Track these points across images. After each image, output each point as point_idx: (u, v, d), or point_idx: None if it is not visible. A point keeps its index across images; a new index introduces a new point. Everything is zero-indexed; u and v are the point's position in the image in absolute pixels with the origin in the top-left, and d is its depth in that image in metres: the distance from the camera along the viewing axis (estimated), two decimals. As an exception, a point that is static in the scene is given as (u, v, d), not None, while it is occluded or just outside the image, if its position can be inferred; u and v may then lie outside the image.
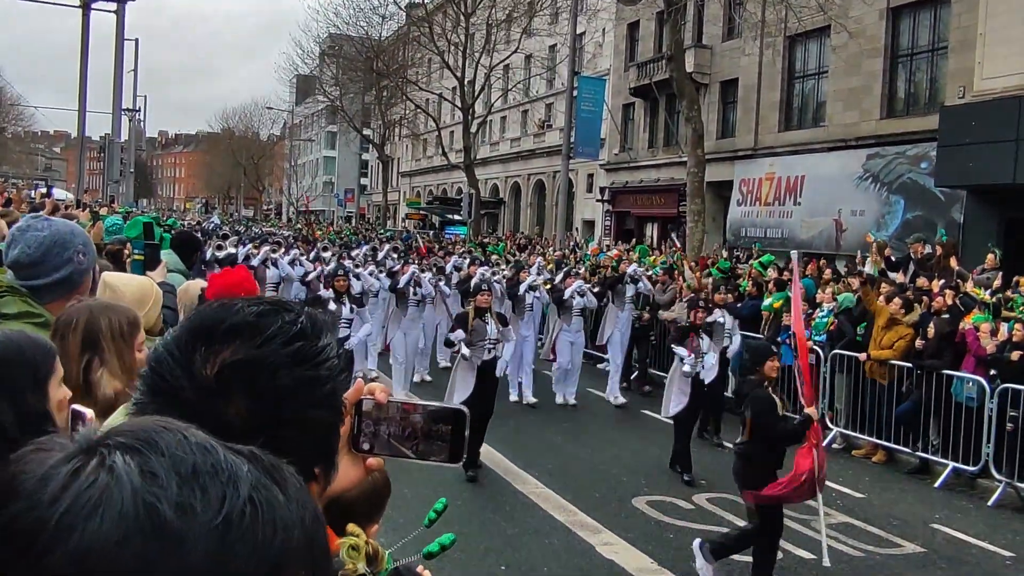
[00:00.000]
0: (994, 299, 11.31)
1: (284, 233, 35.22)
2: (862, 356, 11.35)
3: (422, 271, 14.72)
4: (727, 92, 30.08)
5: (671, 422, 10.35)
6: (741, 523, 8.37)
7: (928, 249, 15.16)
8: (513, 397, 13.21)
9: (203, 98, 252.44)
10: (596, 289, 14.63)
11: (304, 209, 75.62)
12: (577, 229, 37.03)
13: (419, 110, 47.06)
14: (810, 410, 6.97)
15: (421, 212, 52.07)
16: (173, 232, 9.00)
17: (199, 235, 15.31)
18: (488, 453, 10.33)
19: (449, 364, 14.78)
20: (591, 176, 38.41)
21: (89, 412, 2.01)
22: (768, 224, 26.54)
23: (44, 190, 24.04)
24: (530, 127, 46.04)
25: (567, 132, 28.37)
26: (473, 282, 13.20)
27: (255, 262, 15.34)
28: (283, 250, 17.50)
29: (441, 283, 15.07)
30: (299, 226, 49.34)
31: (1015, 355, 9.59)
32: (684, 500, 8.93)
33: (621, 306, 14.39)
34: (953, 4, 20.91)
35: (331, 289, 12.43)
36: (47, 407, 1.96)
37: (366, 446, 1.23)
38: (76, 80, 25.77)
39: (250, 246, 17.94)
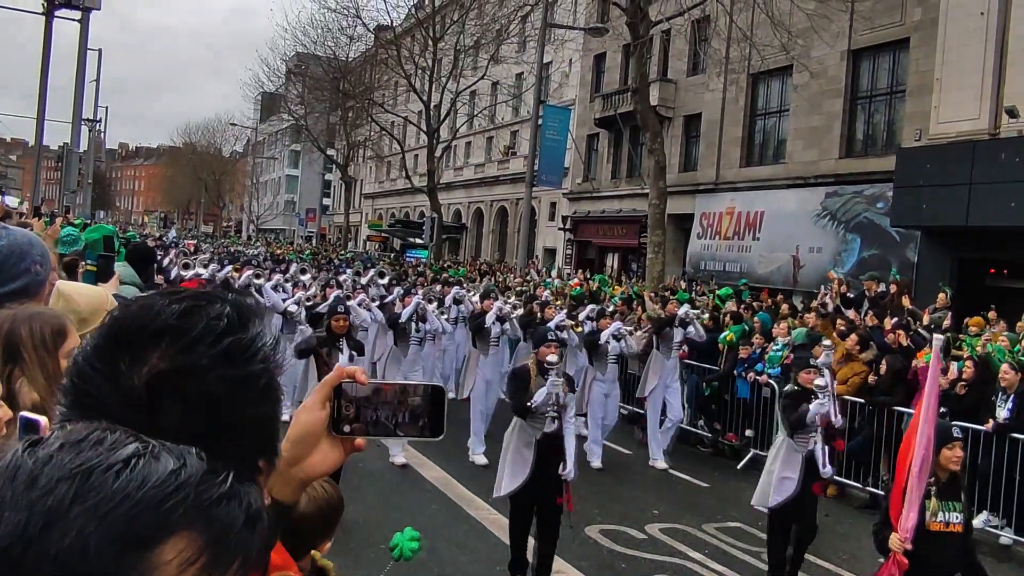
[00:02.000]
0: (944, 337, 11.50)
1: (252, 251, 34.70)
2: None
3: (429, 301, 12.59)
4: (690, 126, 30.48)
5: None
6: (694, 554, 8.40)
7: (882, 287, 15.40)
8: (596, 463, 11.41)
9: (166, 113, 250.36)
10: (636, 331, 12.74)
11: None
12: (538, 257, 37.14)
13: (384, 132, 47.06)
14: (894, 538, 5.33)
15: (383, 235, 51.93)
16: (129, 244, 8.87)
17: (157, 249, 14.96)
18: (441, 478, 10.25)
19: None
20: (554, 204, 38.61)
21: (43, 420, 1.96)
22: (727, 258, 26.84)
23: (-2, 198, 23.61)
24: (494, 154, 46.23)
25: (531, 160, 28.52)
26: (548, 325, 10.44)
27: (236, 286, 13.57)
28: (267, 274, 15.51)
29: (443, 317, 13.01)
30: (260, 245, 48.88)
31: (961, 389, 9.76)
32: (637, 530, 8.92)
33: (668, 353, 12.26)
34: (912, 49, 21.44)
35: (321, 329, 9.71)
36: None
37: (347, 429, 1.24)
38: (36, 88, 25.41)
39: (229, 268, 15.80)
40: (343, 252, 42.49)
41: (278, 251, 34.55)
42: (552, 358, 7.36)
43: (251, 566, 0.80)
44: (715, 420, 13.31)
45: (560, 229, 37.51)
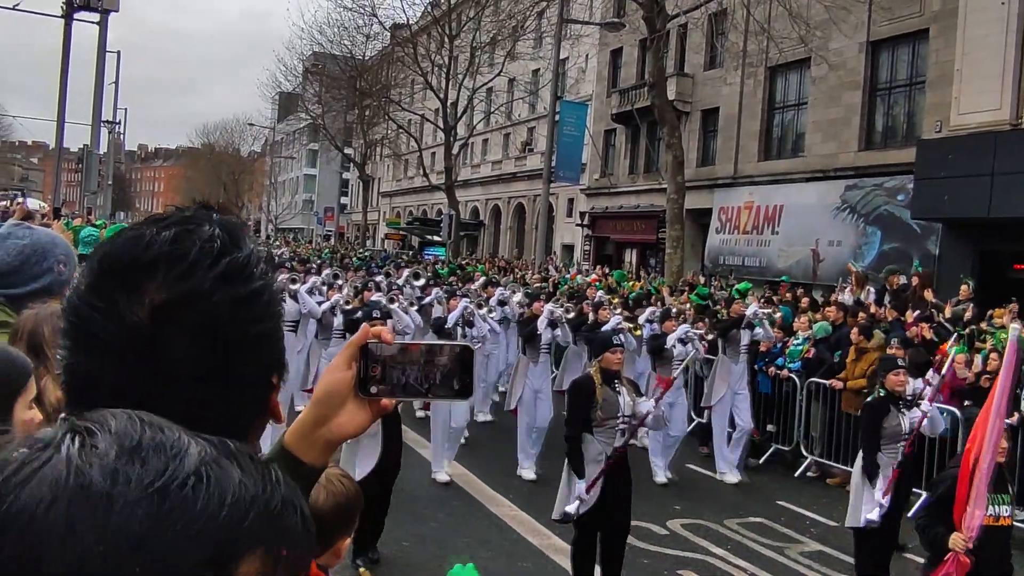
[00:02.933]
0: (967, 331, 11.42)
1: (278, 251, 34.46)
2: (837, 384, 11.39)
3: (478, 306, 11.78)
4: (708, 120, 30.36)
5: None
6: (716, 550, 8.38)
7: (903, 280, 15.30)
8: (661, 478, 10.69)
9: (184, 114, 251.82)
10: (702, 332, 11.52)
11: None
12: (556, 253, 37.11)
13: (401, 130, 47.14)
14: (955, 538, 5.17)
15: (401, 232, 52.02)
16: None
17: None
18: (462, 475, 10.26)
19: (490, 417, 13.05)
20: (571, 200, 38.56)
21: None
22: (746, 252, 26.71)
23: (20, 200, 23.81)
24: (512, 150, 46.20)
25: (548, 156, 28.49)
26: (605, 328, 10.11)
27: None
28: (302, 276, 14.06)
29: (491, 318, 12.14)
30: (281, 245, 49.00)
31: (985, 381, 9.68)
32: (658, 526, 8.90)
33: (735, 358, 11.26)
34: (931, 40, 21.25)
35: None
36: (8, 426, 1.89)
37: (374, 390, 1.21)
38: (55, 90, 25.59)
39: None
40: (361, 250, 42.59)
41: (298, 249, 34.50)
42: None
43: (307, 565, 0.79)
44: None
45: (578, 225, 37.46)
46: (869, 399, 7.58)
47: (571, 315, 12.52)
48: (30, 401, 1.98)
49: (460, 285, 17.20)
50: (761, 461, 12.02)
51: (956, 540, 5.12)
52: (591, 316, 12.58)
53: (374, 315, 8.31)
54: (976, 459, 5.14)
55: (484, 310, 11.92)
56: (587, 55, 37.67)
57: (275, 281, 1.05)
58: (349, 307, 11.58)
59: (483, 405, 13.14)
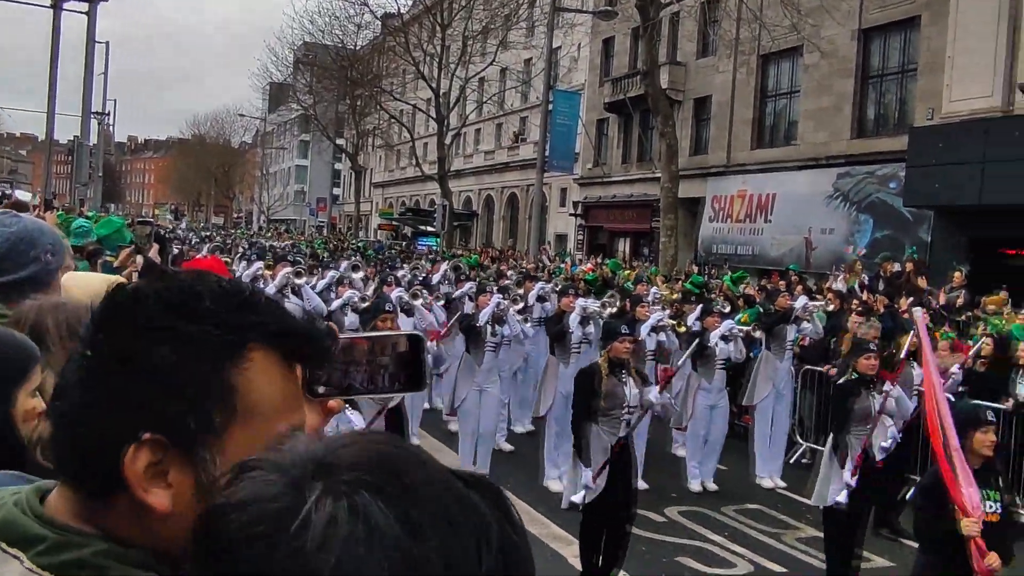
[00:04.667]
0: (962, 317, 11.47)
1: (279, 244, 34.09)
2: (831, 370, 11.40)
3: (513, 302, 10.49)
4: (700, 109, 30.36)
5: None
6: (714, 536, 8.41)
7: (897, 267, 15.36)
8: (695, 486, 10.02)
9: (174, 106, 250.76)
10: (749, 329, 10.80)
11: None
12: (550, 243, 37.12)
13: (393, 120, 47.03)
14: (966, 524, 4.96)
15: (393, 223, 51.96)
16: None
17: (172, 241, 14.37)
18: (455, 463, 10.21)
19: (524, 427, 11.97)
20: (564, 190, 38.55)
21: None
22: (739, 241, 26.75)
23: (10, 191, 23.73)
24: (504, 140, 46.15)
25: (542, 145, 28.46)
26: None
27: (270, 289, 10.32)
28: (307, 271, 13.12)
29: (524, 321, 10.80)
30: (272, 237, 48.88)
31: (981, 366, 9.74)
32: (656, 513, 8.91)
33: (781, 355, 10.57)
34: (923, 27, 21.28)
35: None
36: (9, 413, 1.86)
37: (321, 390, 1.15)
38: (44, 82, 25.45)
39: (259, 265, 12.46)
40: (354, 241, 42.53)
41: (298, 242, 34.16)
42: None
43: None
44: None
45: (571, 215, 37.46)
46: (840, 381, 7.66)
47: (613, 310, 11.08)
48: (33, 390, 1.96)
49: (494, 281, 15.93)
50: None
51: (967, 526, 4.94)
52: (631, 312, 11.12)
53: (386, 308, 7.29)
54: (945, 443, 5.09)
55: (519, 306, 10.66)
56: (579, 44, 37.60)
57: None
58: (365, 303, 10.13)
59: (522, 415, 12.03)
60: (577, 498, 6.75)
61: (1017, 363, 9.63)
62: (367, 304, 9.18)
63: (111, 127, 51.76)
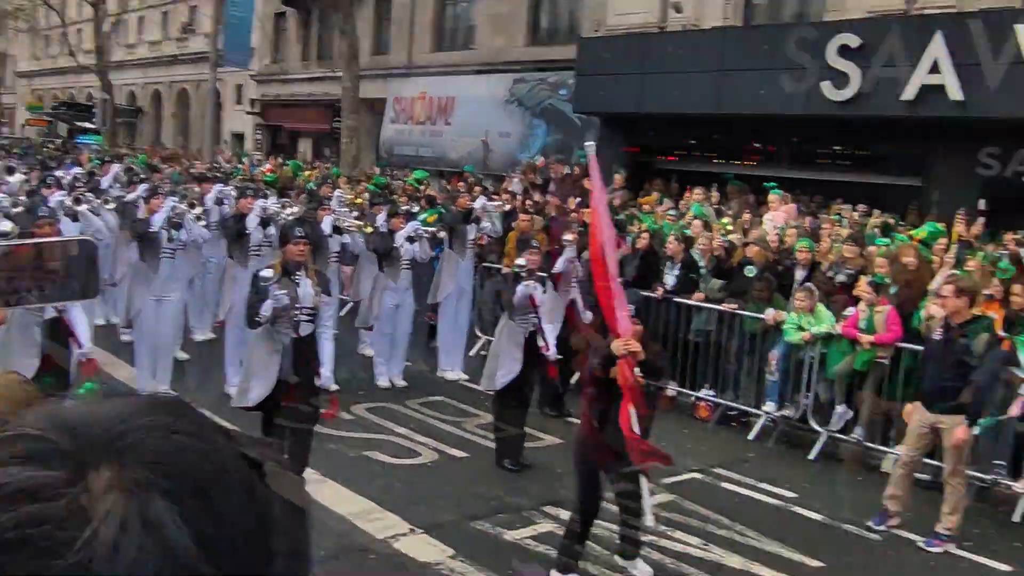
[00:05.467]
0: (621, 216, 12.53)
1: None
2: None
3: (190, 206, 10.13)
4: (382, 8, 29.92)
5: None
6: (399, 429, 8.69)
7: (567, 170, 16.37)
8: (384, 382, 10.34)
9: None
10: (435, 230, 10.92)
11: None
12: (226, 142, 35.31)
13: (40, 1, 41.80)
14: (617, 343, 5.25)
15: (45, 118, 46.77)
16: None
17: None
18: (131, 376, 9.55)
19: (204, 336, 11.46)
20: (240, 87, 36.60)
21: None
22: (421, 143, 27.07)
23: None
24: (172, 30, 42.73)
25: (214, 38, 26.77)
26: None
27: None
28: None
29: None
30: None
31: (634, 252, 10.73)
32: (344, 411, 8.96)
33: (462, 253, 11.07)
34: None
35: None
36: None
37: None
38: None
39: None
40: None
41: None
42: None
43: None
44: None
45: (248, 113, 35.79)
46: (506, 271, 8.88)
47: (293, 210, 11.14)
48: None
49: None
50: (433, 345, 12.45)
51: (618, 345, 5.22)
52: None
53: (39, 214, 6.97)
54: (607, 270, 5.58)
55: (198, 210, 10.27)
56: (253, -70, 35.37)
57: None
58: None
59: (201, 321, 11.57)
60: (253, 395, 6.67)
61: (666, 254, 10.73)
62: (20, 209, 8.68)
63: None
